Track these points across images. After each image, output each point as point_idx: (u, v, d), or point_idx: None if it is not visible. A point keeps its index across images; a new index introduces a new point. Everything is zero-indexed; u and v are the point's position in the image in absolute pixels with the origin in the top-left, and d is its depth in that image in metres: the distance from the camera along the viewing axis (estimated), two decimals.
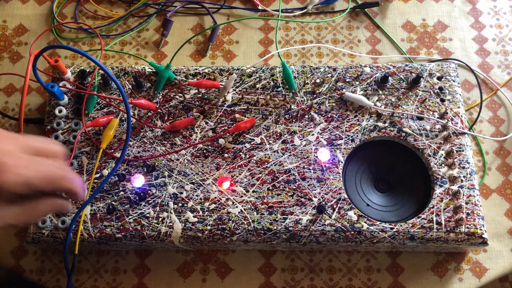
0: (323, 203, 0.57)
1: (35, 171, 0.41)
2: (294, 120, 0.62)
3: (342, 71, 0.64)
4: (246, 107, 0.62)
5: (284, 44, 0.74)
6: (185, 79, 0.64)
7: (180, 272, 0.62)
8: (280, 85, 0.64)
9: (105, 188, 0.59)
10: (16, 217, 0.42)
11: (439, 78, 0.63)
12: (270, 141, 0.61)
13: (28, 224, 0.56)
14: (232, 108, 0.63)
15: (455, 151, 0.59)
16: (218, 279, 0.62)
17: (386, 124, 0.61)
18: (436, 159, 0.59)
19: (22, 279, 0.62)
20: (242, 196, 0.58)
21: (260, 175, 0.59)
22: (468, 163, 0.59)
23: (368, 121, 0.61)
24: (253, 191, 0.58)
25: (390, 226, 0.56)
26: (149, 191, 0.58)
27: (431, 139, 0.60)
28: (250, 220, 0.57)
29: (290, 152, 0.60)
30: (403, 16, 0.76)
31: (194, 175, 0.59)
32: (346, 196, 0.58)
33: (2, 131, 0.42)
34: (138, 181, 0.59)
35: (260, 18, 0.76)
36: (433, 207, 0.57)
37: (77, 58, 0.74)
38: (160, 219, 0.57)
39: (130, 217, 0.57)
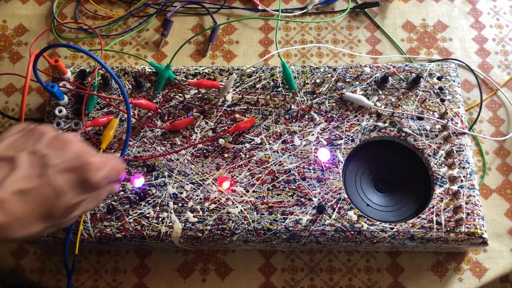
0: (323, 203, 0.57)
1: (111, 166, 0.44)
2: (294, 120, 0.62)
3: (342, 71, 0.64)
4: (246, 107, 0.62)
5: (284, 44, 0.74)
6: (185, 79, 0.64)
7: (180, 272, 0.62)
8: (280, 85, 0.64)
9: None
10: (92, 203, 0.46)
11: (439, 78, 0.63)
12: (270, 141, 0.61)
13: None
14: (232, 108, 0.62)
15: (455, 151, 0.59)
16: (218, 279, 0.62)
17: (386, 124, 0.61)
18: (436, 159, 0.59)
19: (23, 279, 0.62)
20: (242, 196, 0.58)
21: (260, 175, 0.59)
22: (468, 163, 0.59)
23: (368, 121, 0.61)
24: (253, 191, 0.58)
25: (390, 226, 0.56)
26: (149, 191, 0.58)
27: (431, 139, 0.60)
28: (250, 220, 0.57)
29: (290, 152, 0.60)
30: (403, 16, 0.76)
31: (194, 175, 0.59)
32: (346, 196, 0.58)
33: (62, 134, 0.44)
34: (138, 181, 0.59)
35: (260, 18, 0.76)
36: (433, 207, 0.57)
37: (77, 58, 0.74)
38: (160, 219, 0.57)
39: (130, 217, 0.57)
